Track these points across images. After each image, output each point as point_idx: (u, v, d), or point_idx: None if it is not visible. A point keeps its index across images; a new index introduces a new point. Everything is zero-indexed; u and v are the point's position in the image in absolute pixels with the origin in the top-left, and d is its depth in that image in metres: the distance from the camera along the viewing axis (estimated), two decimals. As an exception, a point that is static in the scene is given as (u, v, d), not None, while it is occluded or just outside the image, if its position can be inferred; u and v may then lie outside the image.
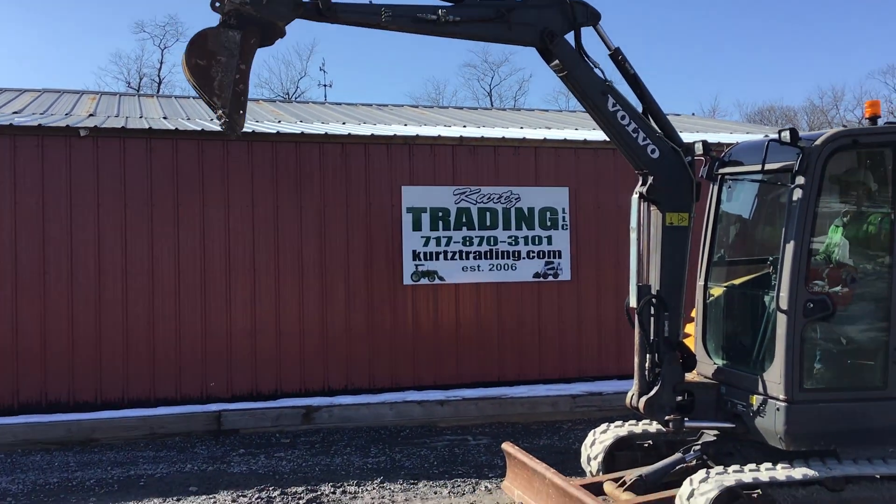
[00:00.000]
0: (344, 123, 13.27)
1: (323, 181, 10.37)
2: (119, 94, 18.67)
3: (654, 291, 6.50)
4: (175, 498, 7.24)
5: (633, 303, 6.53)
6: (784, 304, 6.06)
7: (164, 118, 12.45)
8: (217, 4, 5.60)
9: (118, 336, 9.72)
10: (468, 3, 6.14)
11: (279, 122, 12.93)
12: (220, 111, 5.65)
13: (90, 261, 9.69)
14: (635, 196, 6.59)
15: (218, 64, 5.55)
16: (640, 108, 6.55)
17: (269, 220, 10.20)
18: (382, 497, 7.19)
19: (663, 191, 6.44)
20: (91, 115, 12.54)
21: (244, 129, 10.26)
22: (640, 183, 6.59)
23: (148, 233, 9.86)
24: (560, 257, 11.09)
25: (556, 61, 6.30)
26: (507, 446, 7.40)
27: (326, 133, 10.55)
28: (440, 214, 10.71)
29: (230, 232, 10.08)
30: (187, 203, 9.97)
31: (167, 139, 9.97)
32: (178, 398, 9.84)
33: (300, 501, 7.05)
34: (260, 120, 13.12)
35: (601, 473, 7.07)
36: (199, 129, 10.22)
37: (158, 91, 44.64)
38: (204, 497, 7.24)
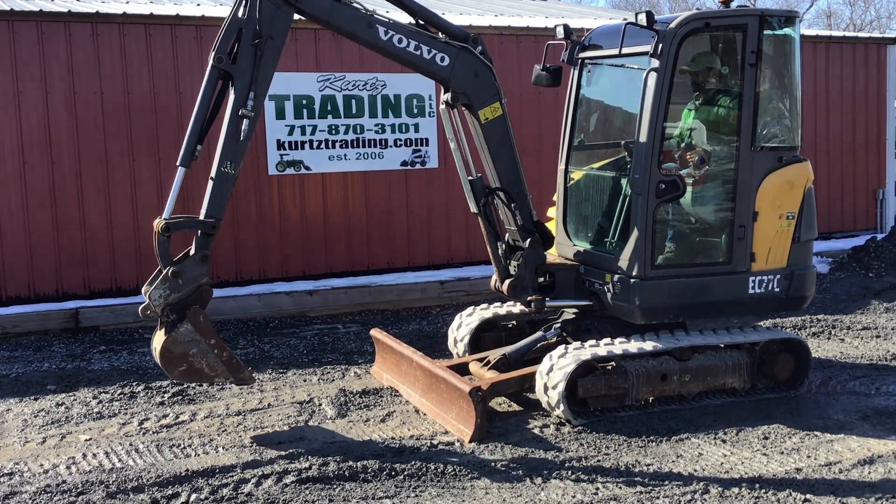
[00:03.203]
0: (199, 5, 12.55)
1: (177, 67, 9.84)
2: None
3: (495, 185, 6.57)
4: (32, 397, 7.01)
5: (472, 207, 6.61)
6: (637, 186, 6.27)
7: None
8: (148, 312, 5.78)
9: (-40, 234, 9.14)
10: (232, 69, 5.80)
11: (127, 1, 12.10)
12: (227, 382, 6.09)
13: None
14: (442, 107, 6.55)
15: (195, 357, 5.78)
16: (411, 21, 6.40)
17: (119, 107, 9.64)
18: (251, 387, 7.17)
19: (467, 92, 6.37)
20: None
21: (89, 11, 9.62)
22: (442, 92, 6.52)
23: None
24: (427, 145, 11.04)
25: (314, 17, 6.05)
26: (375, 332, 7.49)
27: (178, 15, 9.94)
28: (304, 102, 10.41)
29: (78, 118, 9.48)
30: (28, 88, 9.29)
31: (2, 20, 9.19)
32: (31, 296, 9.41)
33: (165, 395, 6.95)
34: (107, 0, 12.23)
35: (467, 354, 7.29)
36: (38, 10, 9.44)
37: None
38: (63, 395, 7.03)
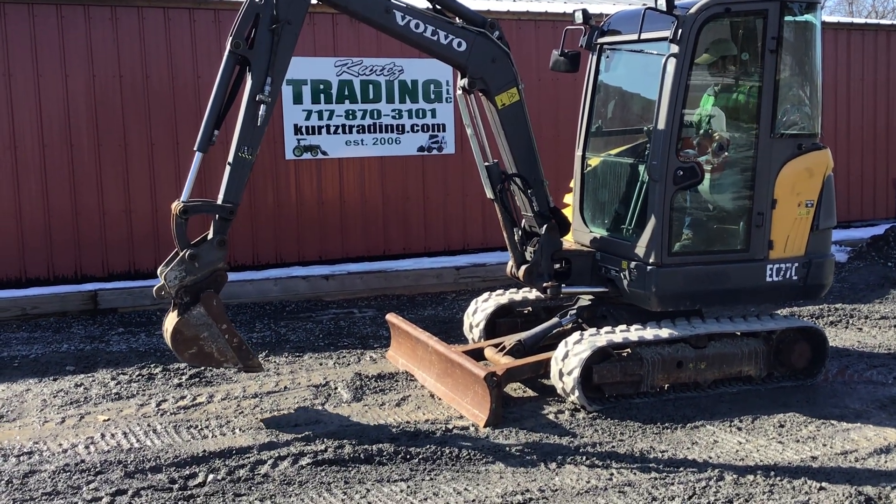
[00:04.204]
0: (218, -10, 12.57)
1: (195, 51, 9.87)
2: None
3: (511, 171, 6.55)
4: (52, 378, 7.08)
5: (488, 193, 6.60)
6: (655, 173, 6.24)
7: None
8: (162, 293, 5.75)
9: (-19, 216, 9.22)
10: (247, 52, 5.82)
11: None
12: (235, 368, 6.06)
13: (-57, 136, 9.05)
14: (459, 92, 6.52)
15: (205, 340, 5.78)
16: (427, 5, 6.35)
17: (138, 91, 9.68)
18: (267, 370, 7.22)
19: (484, 78, 6.34)
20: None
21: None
22: (459, 77, 6.50)
23: (6, 101, 9.22)
24: (444, 131, 11.03)
25: (331, 1, 6.03)
26: (391, 317, 7.51)
27: (198, -1, 9.98)
28: (321, 87, 10.42)
29: (97, 102, 9.53)
30: (47, 73, 9.35)
31: (22, 4, 9.24)
32: (50, 278, 9.49)
33: (183, 377, 7.01)
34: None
35: (483, 340, 7.30)
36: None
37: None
38: (82, 376, 7.10)
